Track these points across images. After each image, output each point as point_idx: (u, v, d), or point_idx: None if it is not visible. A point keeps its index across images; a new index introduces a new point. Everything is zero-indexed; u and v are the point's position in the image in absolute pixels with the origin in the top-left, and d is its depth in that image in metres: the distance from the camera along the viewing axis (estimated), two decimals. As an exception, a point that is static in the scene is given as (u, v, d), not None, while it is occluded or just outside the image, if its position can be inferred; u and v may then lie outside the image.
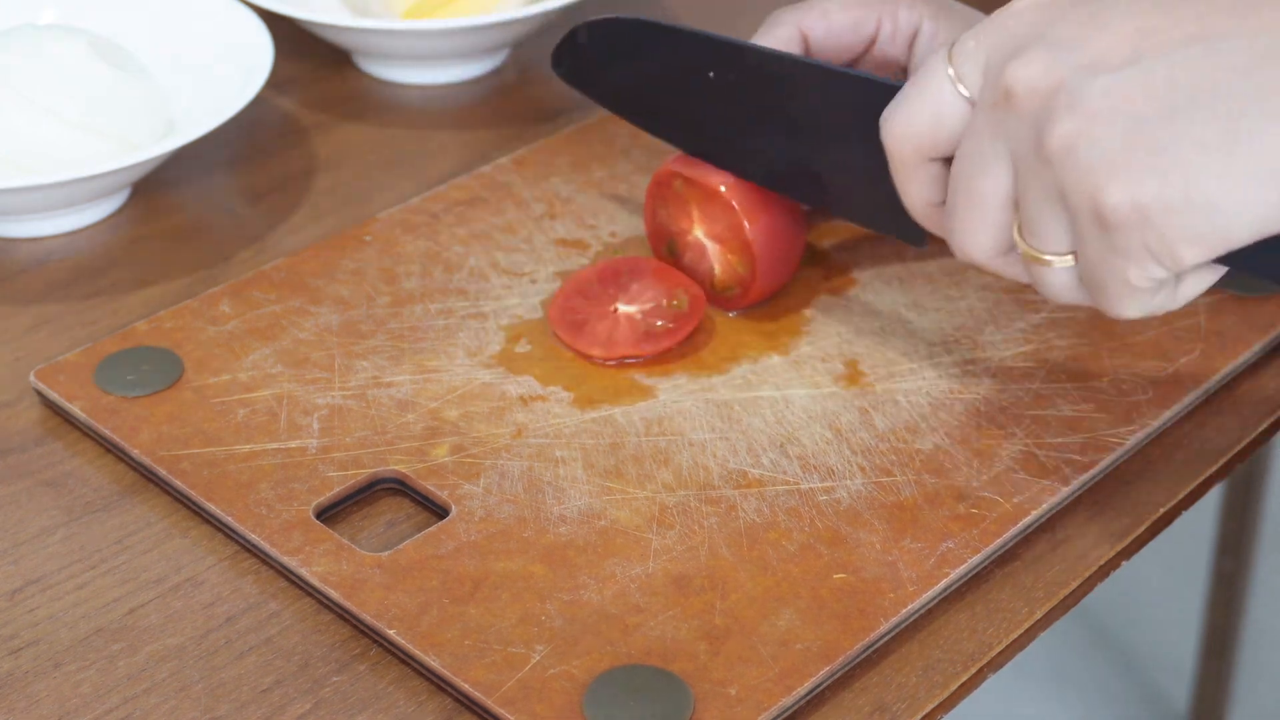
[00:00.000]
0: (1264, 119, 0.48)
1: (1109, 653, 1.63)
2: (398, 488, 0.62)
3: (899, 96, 0.57)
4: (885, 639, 0.56)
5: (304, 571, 0.58)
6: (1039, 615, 0.58)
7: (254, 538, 0.59)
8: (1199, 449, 0.64)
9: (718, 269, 0.69)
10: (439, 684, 0.55)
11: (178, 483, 0.61)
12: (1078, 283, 0.54)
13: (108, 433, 0.64)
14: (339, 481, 0.61)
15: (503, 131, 0.85)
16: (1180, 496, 0.62)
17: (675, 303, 0.68)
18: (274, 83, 0.87)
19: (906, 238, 0.64)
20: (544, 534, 0.59)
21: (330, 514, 0.61)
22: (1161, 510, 0.62)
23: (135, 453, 0.63)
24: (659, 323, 0.68)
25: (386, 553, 0.58)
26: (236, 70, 0.81)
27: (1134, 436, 0.63)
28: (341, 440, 0.63)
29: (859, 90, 0.62)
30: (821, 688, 0.55)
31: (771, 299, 0.70)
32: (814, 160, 0.65)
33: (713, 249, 0.69)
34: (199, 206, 0.80)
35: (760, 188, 0.67)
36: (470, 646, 0.55)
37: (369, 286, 0.71)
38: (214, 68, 0.82)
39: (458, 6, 0.86)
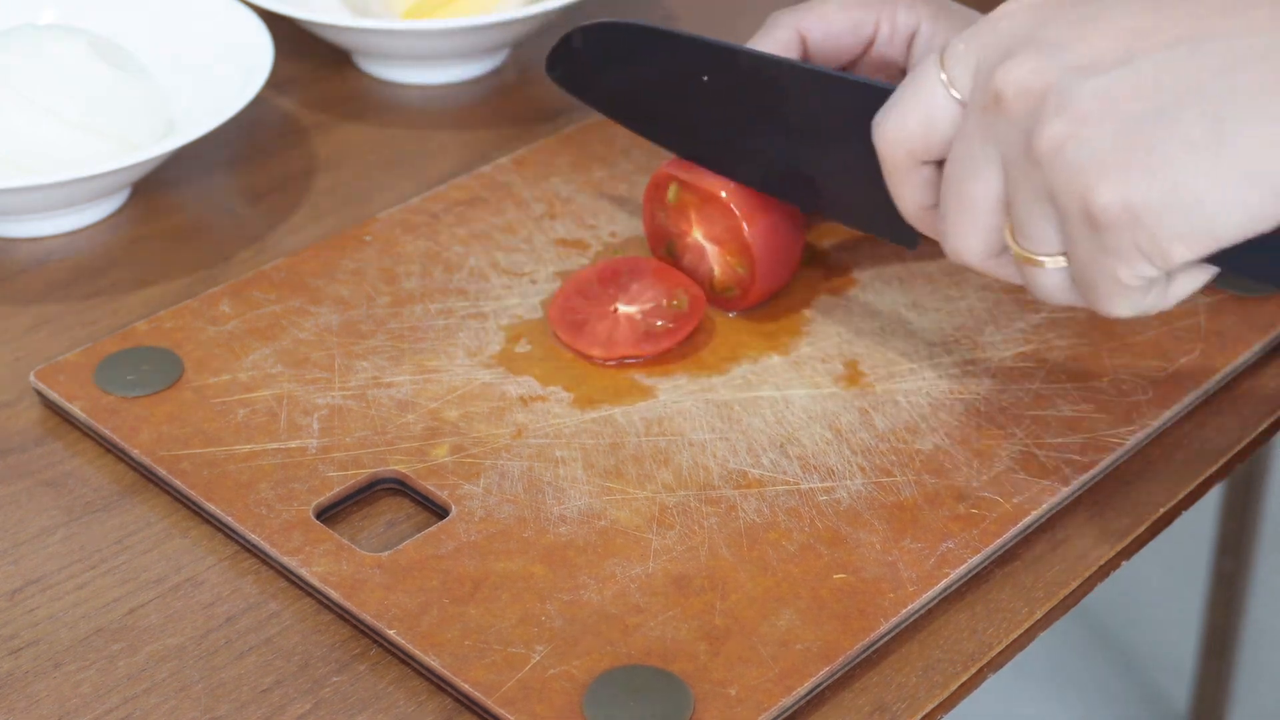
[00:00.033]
0: (1249, 119, 0.49)
1: (1109, 653, 1.63)
2: (398, 488, 0.62)
3: (891, 100, 0.57)
4: (885, 639, 0.56)
5: (304, 571, 0.58)
6: (1039, 615, 0.58)
7: (254, 538, 0.59)
8: (1199, 449, 0.64)
9: (717, 270, 0.69)
10: (439, 684, 0.55)
11: (178, 483, 0.61)
12: (1070, 283, 0.54)
13: (108, 433, 0.64)
14: (339, 481, 0.61)
15: (503, 131, 0.85)
16: (1180, 496, 0.62)
17: (675, 303, 0.68)
18: (274, 83, 0.87)
19: (899, 240, 0.64)
20: (544, 534, 0.59)
21: (330, 514, 0.61)
22: (1161, 510, 0.62)
23: (135, 453, 0.63)
24: (659, 323, 0.68)
25: (386, 553, 0.58)
26: (236, 70, 0.81)
27: (1134, 436, 0.63)
28: (341, 440, 0.63)
29: (852, 94, 0.62)
30: (821, 688, 0.55)
31: (771, 299, 0.70)
32: (808, 164, 0.65)
33: (712, 251, 0.69)
34: (199, 206, 0.80)
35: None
36: (470, 646, 0.55)
37: (369, 286, 0.71)
38: (214, 68, 0.82)
39: (458, 6, 0.86)
